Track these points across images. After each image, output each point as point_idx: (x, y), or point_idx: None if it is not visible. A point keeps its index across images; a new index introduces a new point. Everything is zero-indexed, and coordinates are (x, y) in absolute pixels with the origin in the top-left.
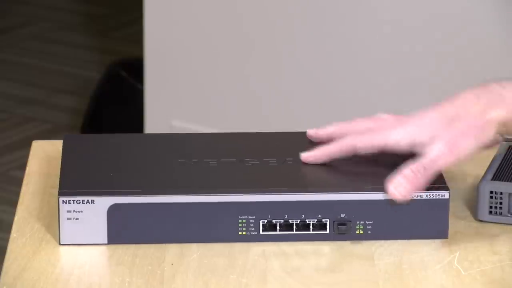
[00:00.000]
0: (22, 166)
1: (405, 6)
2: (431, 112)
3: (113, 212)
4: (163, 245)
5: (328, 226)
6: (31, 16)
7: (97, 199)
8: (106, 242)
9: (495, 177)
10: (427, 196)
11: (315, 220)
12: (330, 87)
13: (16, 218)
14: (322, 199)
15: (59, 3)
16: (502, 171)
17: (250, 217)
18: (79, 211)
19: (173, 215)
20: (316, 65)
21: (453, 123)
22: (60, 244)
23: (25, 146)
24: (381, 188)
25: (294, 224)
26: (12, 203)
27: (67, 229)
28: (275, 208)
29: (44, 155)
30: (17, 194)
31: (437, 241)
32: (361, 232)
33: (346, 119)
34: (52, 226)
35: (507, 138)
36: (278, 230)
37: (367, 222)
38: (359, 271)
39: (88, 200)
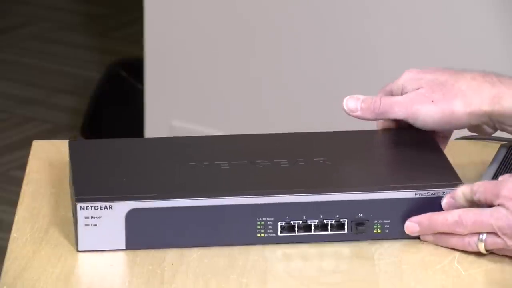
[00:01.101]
0: (22, 166)
1: (406, 5)
2: (430, 73)
3: (131, 217)
4: None
5: (346, 226)
6: (31, 16)
7: (115, 204)
8: (125, 248)
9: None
10: (443, 193)
11: (333, 220)
12: (331, 86)
13: (16, 218)
14: (340, 199)
15: (59, 3)
16: (502, 171)
17: (268, 219)
18: (96, 217)
19: (191, 219)
20: (317, 64)
21: (436, 87)
22: (78, 251)
23: (25, 146)
24: (398, 187)
25: (313, 225)
26: (12, 203)
27: (85, 236)
28: (294, 209)
29: (44, 155)
30: (17, 194)
31: None
32: (379, 231)
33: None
34: (52, 225)
35: (507, 138)
36: (296, 231)
37: (384, 221)
38: (359, 271)
39: (106, 206)
